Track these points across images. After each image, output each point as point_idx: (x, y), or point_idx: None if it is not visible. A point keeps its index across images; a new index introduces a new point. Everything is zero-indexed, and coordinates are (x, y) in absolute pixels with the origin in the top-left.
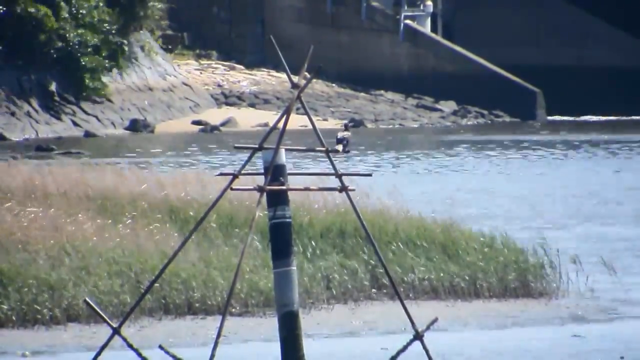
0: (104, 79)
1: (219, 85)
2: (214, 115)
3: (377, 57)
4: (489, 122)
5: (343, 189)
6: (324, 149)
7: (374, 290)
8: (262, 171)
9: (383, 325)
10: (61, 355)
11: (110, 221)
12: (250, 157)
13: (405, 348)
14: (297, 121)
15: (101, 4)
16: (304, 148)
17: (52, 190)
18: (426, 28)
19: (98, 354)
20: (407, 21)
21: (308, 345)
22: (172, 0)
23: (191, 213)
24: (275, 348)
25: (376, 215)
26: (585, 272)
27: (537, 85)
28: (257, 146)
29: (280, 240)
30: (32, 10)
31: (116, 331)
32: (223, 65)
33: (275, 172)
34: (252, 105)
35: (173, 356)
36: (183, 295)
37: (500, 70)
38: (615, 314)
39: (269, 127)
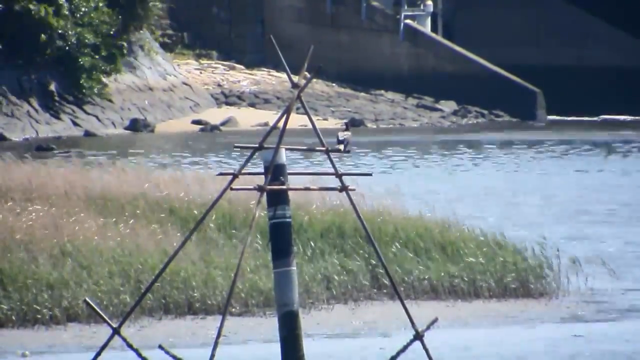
0: (104, 79)
1: (219, 85)
2: (214, 115)
3: (377, 57)
4: (489, 122)
5: (343, 188)
6: (324, 148)
7: (374, 290)
8: (262, 171)
9: (383, 325)
10: (61, 355)
11: (110, 221)
12: (250, 157)
13: (405, 348)
14: (297, 121)
15: (101, 4)
16: (304, 148)
17: (52, 190)
18: (426, 28)
19: (98, 354)
20: (407, 21)
21: (308, 345)
22: (172, 0)
23: (192, 212)
24: (275, 348)
25: (376, 215)
26: (585, 272)
27: (537, 85)
28: (257, 146)
29: (280, 240)
30: (32, 9)
31: (116, 331)
32: (223, 65)
33: (275, 171)
34: (252, 105)
35: (173, 356)
36: (183, 295)
37: (500, 70)
38: (615, 314)
39: (269, 126)
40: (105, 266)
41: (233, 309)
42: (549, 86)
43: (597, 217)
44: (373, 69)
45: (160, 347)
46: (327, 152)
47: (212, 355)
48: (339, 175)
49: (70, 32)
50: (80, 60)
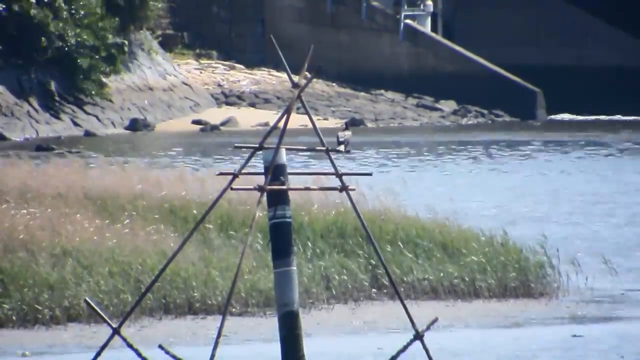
0: (104, 78)
1: (219, 85)
2: (214, 115)
3: (377, 56)
4: (489, 121)
5: (343, 188)
6: (324, 148)
7: (374, 290)
8: (262, 171)
9: (383, 325)
10: (61, 355)
11: (109, 221)
12: (250, 157)
13: (405, 348)
14: (297, 120)
15: (100, 5)
16: (305, 147)
17: (52, 190)
18: (426, 28)
19: (98, 353)
20: (407, 21)
21: (308, 345)
22: (172, 0)
23: (192, 212)
24: (275, 348)
25: (377, 215)
26: (585, 272)
27: (537, 85)
28: (257, 146)
29: (281, 240)
30: (33, 10)
31: (116, 331)
32: (223, 64)
33: (275, 171)
34: (252, 104)
35: (173, 356)
36: (183, 295)
37: (500, 70)
38: (615, 314)
39: (269, 126)
40: (105, 266)
41: (233, 309)
42: (549, 86)
43: (598, 217)
44: (373, 69)
45: (160, 347)
46: (327, 152)
47: (212, 355)
48: (339, 175)
49: (69, 33)
50: (79, 60)
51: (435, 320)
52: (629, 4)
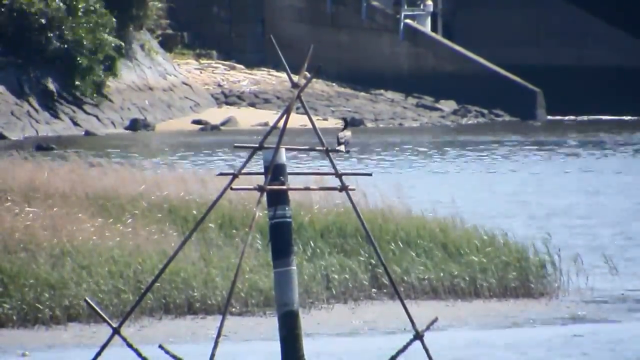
0: (104, 79)
1: (219, 85)
2: (214, 115)
3: (377, 56)
4: (489, 121)
5: (343, 188)
6: (324, 148)
7: (374, 290)
8: (262, 171)
9: (383, 325)
10: (61, 355)
11: (110, 221)
12: (250, 157)
13: (405, 348)
14: (297, 120)
15: (98, 6)
16: (304, 147)
17: (52, 190)
18: (426, 28)
19: (98, 353)
20: (407, 21)
21: (308, 345)
22: (172, 0)
23: (192, 212)
24: (275, 347)
25: (376, 215)
26: (585, 272)
27: (537, 85)
28: (257, 145)
29: (281, 240)
30: (32, 10)
31: (116, 331)
32: (223, 64)
33: (275, 171)
34: (252, 104)
35: (173, 356)
36: (183, 294)
37: (500, 70)
38: (616, 314)
39: (269, 126)
40: (105, 266)
41: (233, 309)
42: (549, 86)
43: (598, 216)
44: (373, 69)
45: (160, 347)
46: (326, 151)
47: (212, 355)
48: (338, 175)
49: (68, 33)
50: (78, 60)
51: (435, 320)
52: (629, 4)
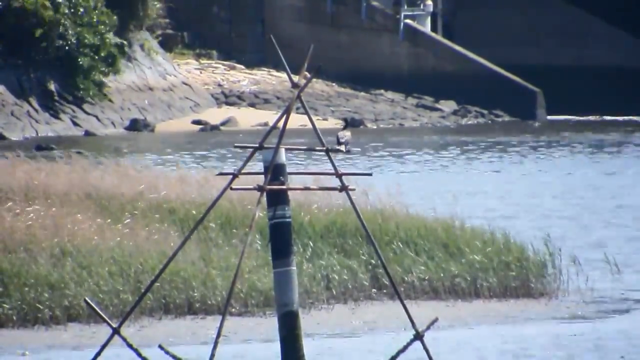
0: (104, 79)
1: (219, 85)
2: (214, 115)
3: (377, 56)
4: (489, 121)
5: (343, 188)
6: (324, 148)
7: (374, 290)
8: (262, 171)
9: (383, 325)
10: (61, 355)
11: (110, 221)
12: (250, 157)
13: (405, 348)
14: (297, 120)
15: (100, 5)
16: (304, 147)
17: (52, 190)
18: (426, 28)
19: (98, 354)
20: (407, 21)
21: (308, 345)
22: (171, 0)
23: (192, 212)
24: (275, 348)
25: (376, 215)
26: (585, 272)
27: (537, 85)
28: (257, 145)
29: (280, 240)
30: (32, 3)
31: (116, 331)
32: (223, 64)
33: (275, 171)
34: (252, 104)
35: (173, 356)
36: (183, 295)
37: (500, 70)
38: (616, 314)
39: (269, 126)
40: (105, 266)
41: (233, 309)
42: (549, 86)
43: (598, 216)
44: (373, 69)
45: (160, 347)
46: (327, 152)
47: (212, 355)
48: (338, 175)
49: (69, 32)
50: (79, 60)
51: (435, 320)
52: (629, 4)
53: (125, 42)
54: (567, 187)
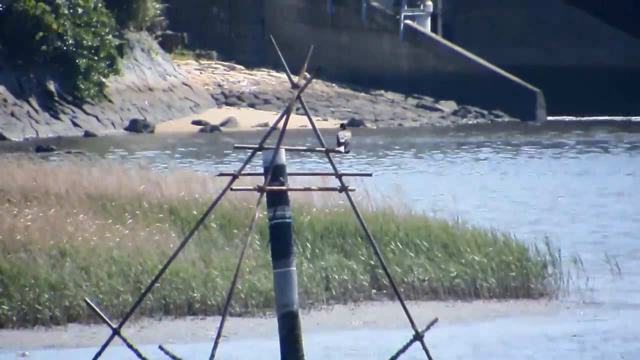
0: (103, 79)
1: (219, 85)
2: (214, 115)
3: (377, 57)
4: (489, 122)
5: (343, 189)
6: (324, 149)
7: (374, 290)
8: (262, 171)
9: (383, 326)
10: (61, 355)
11: (110, 221)
12: (250, 157)
13: (405, 348)
14: (297, 121)
15: (99, 5)
16: (304, 148)
17: (52, 191)
18: (426, 28)
19: (98, 354)
20: (407, 21)
21: (307, 345)
22: (172, 0)
23: (192, 213)
24: (275, 348)
25: (376, 215)
26: (585, 272)
27: (537, 85)
28: (257, 146)
29: (280, 240)
30: (32, 8)
31: (116, 331)
32: (223, 65)
33: (275, 172)
34: (252, 105)
35: (173, 356)
36: (183, 295)
37: (500, 70)
38: (616, 314)
39: (269, 127)
40: (105, 267)
41: (233, 310)
42: (549, 86)
43: (598, 217)
44: (373, 69)
45: (160, 347)
46: (326, 152)
47: (212, 355)
48: (338, 176)
49: (69, 33)
50: (78, 61)
51: (435, 321)
52: (629, 4)
53: (124, 43)
54: (567, 187)
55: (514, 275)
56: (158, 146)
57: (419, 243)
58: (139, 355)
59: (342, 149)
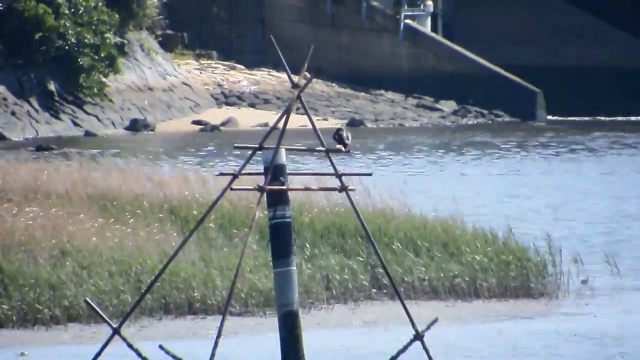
0: (104, 79)
1: (219, 85)
2: (214, 115)
3: (377, 57)
4: (489, 122)
5: (343, 189)
6: (323, 148)
7: (374, 290)
8: (262, 171)
9: (383, 326)
10: (61, 355)
11: (110, 221)
12: (250, 157)
13: (405, 348)
14: (297, 121)
15: (100, 4)
16: (304, 148)
17: (52, 190)
18: (426, 28)
19: (98, 354)
20: (407, 21)
21: (308, 345)
22: (172, 0)
23: (192, 213)
24: (275, 347)
25: (376, 215)
26: (585, 272)
27: (537, 85)
28: (257, 146)
29: (280, 240)
30: (32, 8)
31: (116, 331)
32: (223, 65)
33: (275, 172)
34: (252, 105)
35: (173, 356)
36: (183, 295)
37: (500, 70)
38: (615, 314)
39: (269, 126)
40: (106, 266)
41: (233, 309)
42: (549, 86)
43: (598, 217)
44: (373, 69)
45: (161, 347)
46: (326, 152)
47: (212, 355)
48: (338, 176)
49: (69, 32)
50: (79, 60)
51: (435, 321)
52: (629, 4)
53: (125, 42)
54: (567, 187)
55: (514, 275)
56: (158, 146)
57: (419, 243)
58: (139, 354)
59: (342, 147)
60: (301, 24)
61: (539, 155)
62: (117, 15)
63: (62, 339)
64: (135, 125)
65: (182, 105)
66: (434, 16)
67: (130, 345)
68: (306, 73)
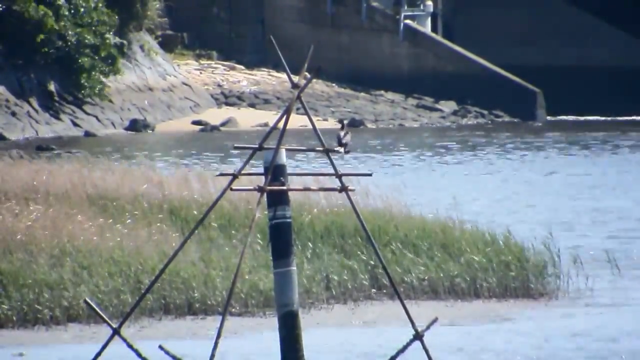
0: (104, 79)
1: (219, 85)
2: (214, 115)
3: (377, 57)
4: (489, 122)
5: (343, 189)
6: (323, 149)
7: (373, 290)
8: (262, 171)
9: (383, 325)
10: (61, 355)
11: (110, 221)
12: (250, 157)
13: (405, 348)
14: (297, 121)
15: (100, 5)
16: (304, 148)
17: (52, 190)
18: (426, 28)
19: (98, 354)
20: (407, 21)
21: (307, 345)
22: (171, 0)
23: (192, 213)
24: (275, 348)
25: (376, 215)
26: (585, 272)
27: (537, 85)
28: (257, 146)
29: (281, 240)
30: (32, 9)
31: (116, 331)
32: (223, 65)
33: (275, 172)
34: (252, 105)
35: (173, 356)
36: (183, 295)
37: (500, 70)
38: (616, 314)
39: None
40: (105, 266)
41: (233, 309)
42: (549, 86)
43: (598, 217)
44: (373, 69)
45: (160, 347)
46: (326, 152)
47: (212, 355)
48: (338, 176)
49: (69, 32)
50: (80, 60)
51: (435, 320)
52: (629, 4)
53: (125, 43)
54: (567, 187)
55: (514, 275)
56: (158, 146)
57: (419, 243)
58: (139, 355)
59: (341, 149)
60: (301, 24)
61: (539, 155)
62: (116, 17)
63: (62, 339)
64: (135, 126)
65: (182, 105)
66: (434, 16)
67: (130, 346)
68: (306, 73)
